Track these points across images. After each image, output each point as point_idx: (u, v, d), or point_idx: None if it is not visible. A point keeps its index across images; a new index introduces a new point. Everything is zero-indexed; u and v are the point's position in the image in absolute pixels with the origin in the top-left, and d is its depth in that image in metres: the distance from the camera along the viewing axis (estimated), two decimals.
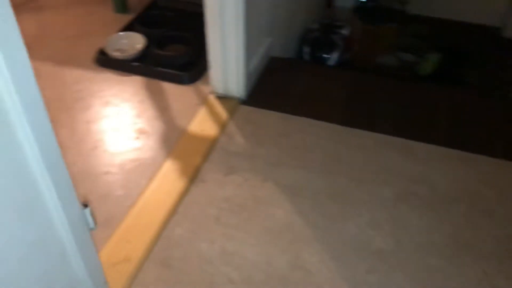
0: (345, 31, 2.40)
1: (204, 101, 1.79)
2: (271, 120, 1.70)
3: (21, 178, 0.77)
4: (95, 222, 0.98)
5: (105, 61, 1.95)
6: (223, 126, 1.67)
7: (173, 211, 1.39)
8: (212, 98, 1.79)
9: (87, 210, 0.94)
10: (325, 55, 2.37)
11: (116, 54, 1.92)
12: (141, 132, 1.66)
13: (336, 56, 2.36)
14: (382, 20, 2.92)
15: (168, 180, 1.47)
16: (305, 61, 2.39)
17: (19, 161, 0.76)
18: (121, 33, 2.03)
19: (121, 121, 1.71)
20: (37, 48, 2.07)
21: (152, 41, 1.96)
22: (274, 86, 1.86)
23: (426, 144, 1.60)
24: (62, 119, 1.71)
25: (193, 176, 1.49)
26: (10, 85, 0.70)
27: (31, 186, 0.80)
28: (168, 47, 2.00)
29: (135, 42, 2.00)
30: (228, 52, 1.67)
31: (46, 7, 2.35)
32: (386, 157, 1.56)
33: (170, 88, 1.86)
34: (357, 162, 1.54)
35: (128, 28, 2.09)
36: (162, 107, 1.77)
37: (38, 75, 1.92)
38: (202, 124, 1.68)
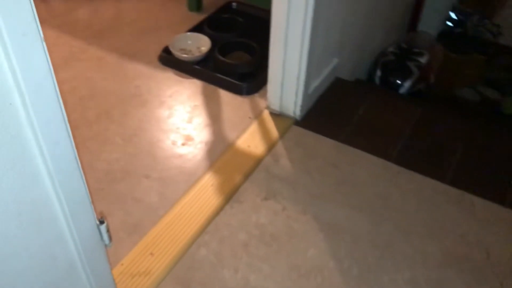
0: (423, 60, 2.23)
1: (257, 115, 1.72)
2: (323, 146, 1.60)
3: (30, 188, 0.74)
4: (111, 239, 0.94)
5: (168, 60, 1.94)
6: (271, 146, 1.59)
7: (203, 229, 1.34)
8: (266, 114, 1.72)
9: (103, 227, 0.90)
10: (397, 81, 2.22)
11: (180, 55, 1.89)
12: (188, 138, 1.62)
13: (409, 85, 2.20)
14: (469, 49, 2.70)
15: (204, 194, 1.42)
16: (373, 85, 2.25)
17: (28, 171, 0.73)
18: (188, 33, 2.01)
19: (172, 124, 1.68)
20: (107, 37, 2.10)
21: (217, 46, 1.92)
22: (333, 110, 1.76)
23: (492, 203, 1.43)
24: (115, 113, 1.72)
25: (230, 195, 1.43)
26: (22, 85, 0.65)
27: (40, 197, 0.76)
28: (232, 54, 1.95)
29: (201, 44, 1.97)
30: (289, 69, 1.59)
31: None
32: (441, 209, 1.41)
33: (226, 97, 1.81)
34: (408, 210, 1.41)
35: (197, 28, 2.06)
36: (214, 116, 1.72)
37: (102, 65, 1.94)
38: (250, 139, 1.61)
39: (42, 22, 2.24)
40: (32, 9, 0.62)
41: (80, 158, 1.54)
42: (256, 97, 1.81)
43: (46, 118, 0.70)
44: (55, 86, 0.70)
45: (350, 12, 1.78)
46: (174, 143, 1.61)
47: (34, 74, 0.66)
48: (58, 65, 1.92)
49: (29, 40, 0.63)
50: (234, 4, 2.26)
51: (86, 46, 2.04)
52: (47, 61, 0.68)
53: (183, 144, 1.60)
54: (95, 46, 2.03)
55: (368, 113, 1.75)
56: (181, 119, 1.70)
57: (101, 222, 0.90)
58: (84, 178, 0.81)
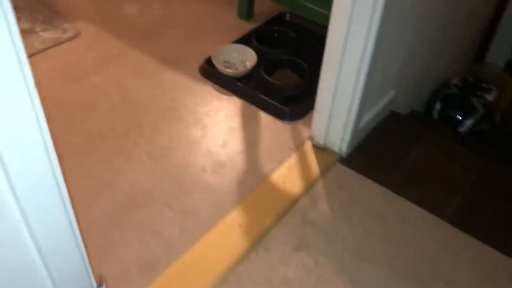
0: (490, 97, 2.00)
1: (298, 146, 1.55)
2: (369, 192, 1.42)
3: (12, 256, 0.61)
4: None
5: (209, 72, 1.79)
6: (310, 185, 1.43)
7: (223, 278, 1.19)
8: (308, 146, 1.55)
9: None
10: (458, 117, 2.00)
11: (222, 69, 1.75)
12: (220, 165, 1.48)
13: (471, 123, 1.98)
14: None
15: (229, 235, 1.28)
16: (431, 119, 2.04)
17: (14, 240, 0.60)
18: (233, 44, 1.86)
19: (204, 146, 1.54)
20: (149, 39, 1.98)
21: (263, 62, 1.76)
22: (383, 149, 1.57)
23: None
24: (146, 127, 1.59)
25: (257, 239, 1.27)
26: None
27: (24, 267, 0.63)
28: (279, 72, 1.79)
29: (246, 58, 1.82)
30: (340, 101, 1.42)
31: None
32: (502, 287, 1.21)
33: (267, 121, 1.65)
34: (461, 283, 1.21)
35: (244, 39, 1.91)
36: (251, 141, 1.57)
37: (140, 71, 1.80)
38: (287, 174, 1.45)
39: (85, 16, 2.14)
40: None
41: (103, 176, 1.43)
42: (299, 124, 1.65)
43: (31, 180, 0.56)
44: (45, 143, 0.56)
45: (415, 40, 1.59)
46: (204, 169, 1.46)
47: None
48: (94, 67, 1.82)
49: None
50: (287, 15, 2.09)
51: (126, 47, 1.92)
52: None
53: (213, 172, 1.46)
54: (135, 49, 1.92)
55: (423, 156, 1.55)
56: (215, 141, 1.56)
57: (100, 285, 0.77)
58: (81, 242, 0.68)
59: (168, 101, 1.70)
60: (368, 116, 1.55)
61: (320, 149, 1.54)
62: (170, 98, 1.71)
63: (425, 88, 2.06)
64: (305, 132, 1.61)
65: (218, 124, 1.62)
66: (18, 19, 2.03)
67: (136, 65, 1.84)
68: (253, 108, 1.70)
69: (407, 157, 1.55)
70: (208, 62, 1.80)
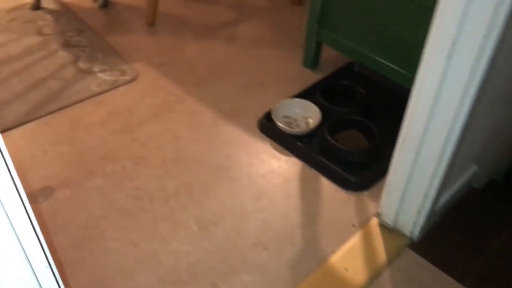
0: None
1: (363, 223, 1.39)
2: None
3: None
4: None
5: (268, 128, 1.67)
6: (375, 274, 1.25)
7: None
8: (374, 224, 1.38)
9: None
10: None
11: (282, 126, 1.62)
12: (274, 240, 1.34)
13: None
14: None
15: None
16: None
17: None
18: (296, 99, 1.72)
19: (258, 216, 1.40)
20: (208, 85, 1.88)
21: (327, 120, 1.62)
22: (461, 235, 1.37)
23: None
24: (197, 188, 1.48)
25: None
26: None
27: None
28: (344, 132, 1.63)
29: (309, 115, 1.68)
30: (416, 181, 1.24)
31: (239, 38, 2.17)
32: None
33: (328, 189, 1.49)
34: None
35: (308, 92, 1.77)
36: (309, 214, 1.42)
37: (196, 122, 1.68)
38: (350, 259, 1.28)
39: (145, 56, 2.08)
40: None
41: (147, 244, 1.32)
42: (365, 196, 1.48)
43: None
44: None
45: (505, 112, 1.39)
46: (255, 244, 1.33)
47: None
48: (149, 115, 1.73)
49: None
50: (356, 65, 1.93)
51: (184, 95, 1.83)
52: None
53: (265, 249, 1.32)
54: (193, 97, 1.82)
55: (509, 247, 1.34)
56: (270, 210, 1.42)
57: None
58: None
59: (222, 158, 1.59)
60: (445, 196, 1.36)
61: (388, 230, 1.36)
62: (225, 155, 1.60)
63: (507, 156, 1.83)
64: (371, 207, 1.44)
65: (274, 190, 1.48)
66: (78, 57, 2.02)
67: (192, 116, 1.74)
68: (314, 172, 1.55)
69: (489, 246, 1.34)
70: (268, 116, 1.68)
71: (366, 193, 1.49)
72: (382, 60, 1.69)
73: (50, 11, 2.24)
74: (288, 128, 1.62)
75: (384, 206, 1.35)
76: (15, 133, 1.63)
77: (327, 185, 1.51)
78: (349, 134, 1.64)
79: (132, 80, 1.88)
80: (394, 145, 1.24)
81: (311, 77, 1.91)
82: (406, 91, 1.19)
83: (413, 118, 1.16)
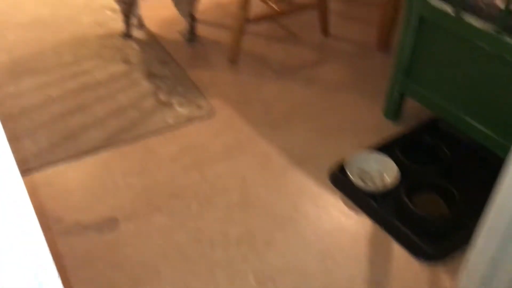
0: None
1: None
2: None
3: None
4: None
5: (340, 181, 1.59)
6: None
7: None
8: None
9: None
10: None
11: (356, 181, 1.53)
12: None
13: None
14: None
15: None
16: None
17: None
18: (373, 153, 1.63)
19: (320, 279, 1.32)
20: (281, 128, 1.84)
21: (405, 180, 1.51)
22: None
23: None
24: (259, 238, 1.42)
25: None
26: None
27: None
28: (423, 196, 1.51)
29: (385, 171, 1.58)
30: (502, 269, 1.10)
31: (319, 80, 2.11)
32: None
33: (400, 257, 1.38)
34: None
35: (387, 147, 1.67)
36: (377, 283, 1.31)
37: (265, 166, 1.64)
38: None
39: (222, 93, 2.07)
40: None
41: None
42: (440, 269, 1.35)
43: None
44: None
45: None
46: None
47: None
48: (220, 154, 1.72)
49: None
50: (441, 123, 1.80)
51: (256, 136, 1.80)
52: None
53: None
54: (265, 139, 1.79)
55: None
56: (334, 274, 1.33)
57: None
58: None
59: (289, 208, 1.52)
60: None
61: None
62: (292, 205, 1.53)
63: None
64: (445, 282, 1.31)
65: (340, 251, 1.39)
66: (159, 88, 2.06)
67: (262, 159, 1.70)
68: (385, 235, 1.44)
69: None
70: (341, 168, 1.59)
71: (440, 265, 1.36)
72: (472, 122, 1.55)
73: (138, 41, 2.32)
74: (363, 184, 1.53)
75: (461, 284, 1.21)
76: (90, 159, 1.66)
77: (398, 252, 1.39)
78: (428, 198, 1.52)
79: (207, 116, 1.88)
80: (476, 216, 1.12)
81: (391, 129, 1.81)
82: (495, 157, 1.07)
83: (508, 193, 1.04)
